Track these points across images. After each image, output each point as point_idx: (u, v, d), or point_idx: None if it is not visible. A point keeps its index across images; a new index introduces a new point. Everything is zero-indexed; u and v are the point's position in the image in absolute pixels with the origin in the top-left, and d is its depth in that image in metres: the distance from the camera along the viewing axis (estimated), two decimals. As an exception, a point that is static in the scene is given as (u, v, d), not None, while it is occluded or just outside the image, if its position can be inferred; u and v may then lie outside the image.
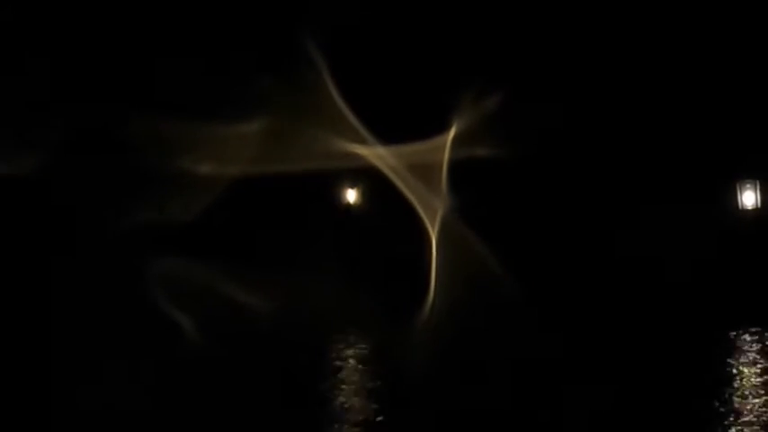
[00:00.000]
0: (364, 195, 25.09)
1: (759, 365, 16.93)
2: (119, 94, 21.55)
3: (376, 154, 20.51)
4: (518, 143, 21.49)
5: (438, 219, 19.61)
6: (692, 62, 23.59)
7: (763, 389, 15.21)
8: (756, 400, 14.30)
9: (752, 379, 16.00)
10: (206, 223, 20.27)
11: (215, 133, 20.67)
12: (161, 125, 20.41)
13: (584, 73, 23.66)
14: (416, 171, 20.19)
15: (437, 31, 23.62)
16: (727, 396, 14.70)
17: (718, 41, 23.55)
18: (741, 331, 19.52)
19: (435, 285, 18.64)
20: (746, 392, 15.10)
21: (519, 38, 23.49)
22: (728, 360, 17.27)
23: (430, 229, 19.58)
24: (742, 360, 17.40)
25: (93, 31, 22.75)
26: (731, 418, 13.47)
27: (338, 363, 18.20)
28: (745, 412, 13.70)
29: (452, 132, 20.55)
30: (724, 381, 15.70)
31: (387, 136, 20.93)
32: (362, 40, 23.15)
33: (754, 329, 19.63)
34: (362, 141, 20.69)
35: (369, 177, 22.39)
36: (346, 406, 15.21)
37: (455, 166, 20.40)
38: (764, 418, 13.53)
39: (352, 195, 25.18)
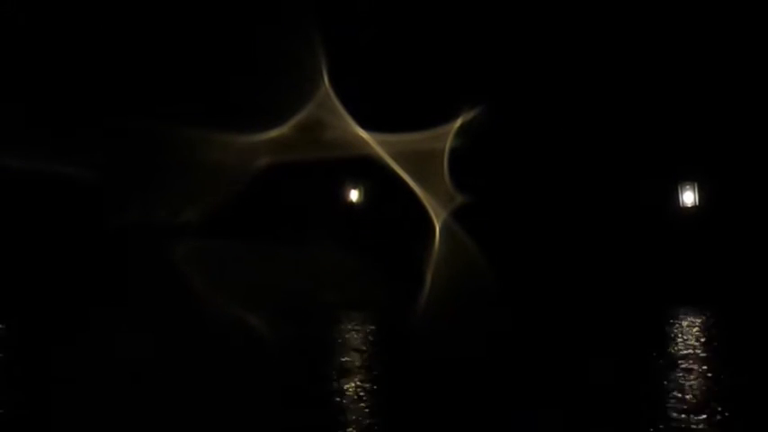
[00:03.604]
0: (367, 191, 25.16)
1: (689, 334, 18.94)
2: (147, 98, 22.20)
3: (380, 149, 21.34)
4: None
5: (440, 209, 20.78)
6: (641, 79, 24.19)
7: (690, 351, 17.17)
8: (683, 358, 16.47)
9: (681, 343, 18.01)
10: (228, 217, 21.41)
11: (239, 136, 21.73)
12: (186, 128, 21.36)
13: (545, 82, 24.11)
14: (418, 165, 21.17)
15: (431, 33, 23.74)
16: (664, 356, 16.67)
17: (664, 57, 24.12)
18: (680, 308, 21.38)
19: (433, 272, 20.03)
20: (677, 353, 17.03)
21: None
22: (666, 330, 19.25)
23: (433, 219, 20.73)
24: (677, 331, 19.21)
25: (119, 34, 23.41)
26: (668, 368, 15.57)
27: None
28: (676, 364, 15.82)
29: (451, 132, 21.36)
30: (661, 345, 17.70)
31: (388, 130, 21.71)
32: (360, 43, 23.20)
33: (690, 307, 21.55)
34: (367, 136, 21.48)
35: (372, 174, 22.97)
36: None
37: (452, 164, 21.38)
38: (684, 367, 15.70)
39: (354, 193, 25.39)
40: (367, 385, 14.78)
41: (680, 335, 18.87)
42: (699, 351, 17.19)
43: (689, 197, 24.96)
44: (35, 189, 23.43)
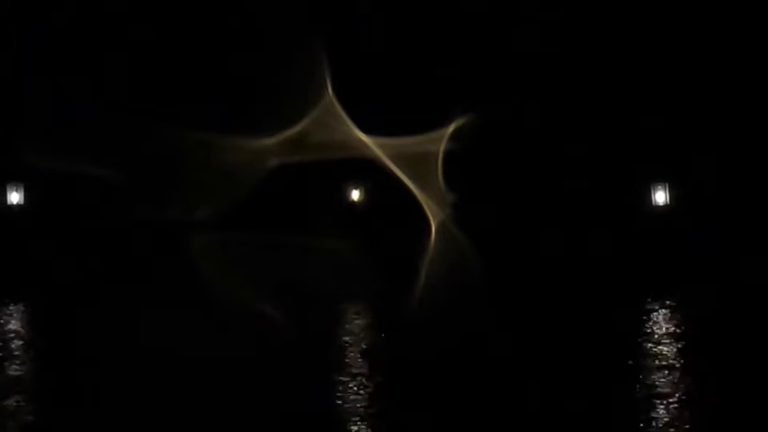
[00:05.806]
0: (367, 191, 25.62)
1: (661, 322, 20.00)
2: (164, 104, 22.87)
3: (380, 151, 21.69)
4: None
5: (436, 209, 21.27)
6: (618, 87, 24.91)
7: (660, 336, 18.43)
8: (654, 342, 17.78)
9: (653, 328, 19.26)
10: (237, 215, 21.87)
11: (249, 139, 22.19)
12: (200, 131, 21.87)
13: (532, 89, 24.63)
14: (416, 166, 21.58)
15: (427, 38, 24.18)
16: (637, 340, 17.80)
17: (637, 65, 24.74)
18: (650, 299, 22.00)
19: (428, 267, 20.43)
20: (649, 336, 18.27)
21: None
22: (639, 319, 20.15)
23: (430, 218, 21.21)
24: (649, 318, 20.23)
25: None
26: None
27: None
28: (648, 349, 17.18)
29: (445, 135, 21.68)
30: (634, 329, 18.78)
31: (388, 133, 21.99)
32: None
33: (662, 298, 22.16)
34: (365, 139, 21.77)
35: (373, 175, 23.26)
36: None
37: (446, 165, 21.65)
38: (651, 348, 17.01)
39: (356, 193, 25.91)
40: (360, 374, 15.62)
41: (650, 326, 19.61)
42: (666, 343, 17.91)
43: (660, 197, 25.71)
44: (59, 187, 24.23)
